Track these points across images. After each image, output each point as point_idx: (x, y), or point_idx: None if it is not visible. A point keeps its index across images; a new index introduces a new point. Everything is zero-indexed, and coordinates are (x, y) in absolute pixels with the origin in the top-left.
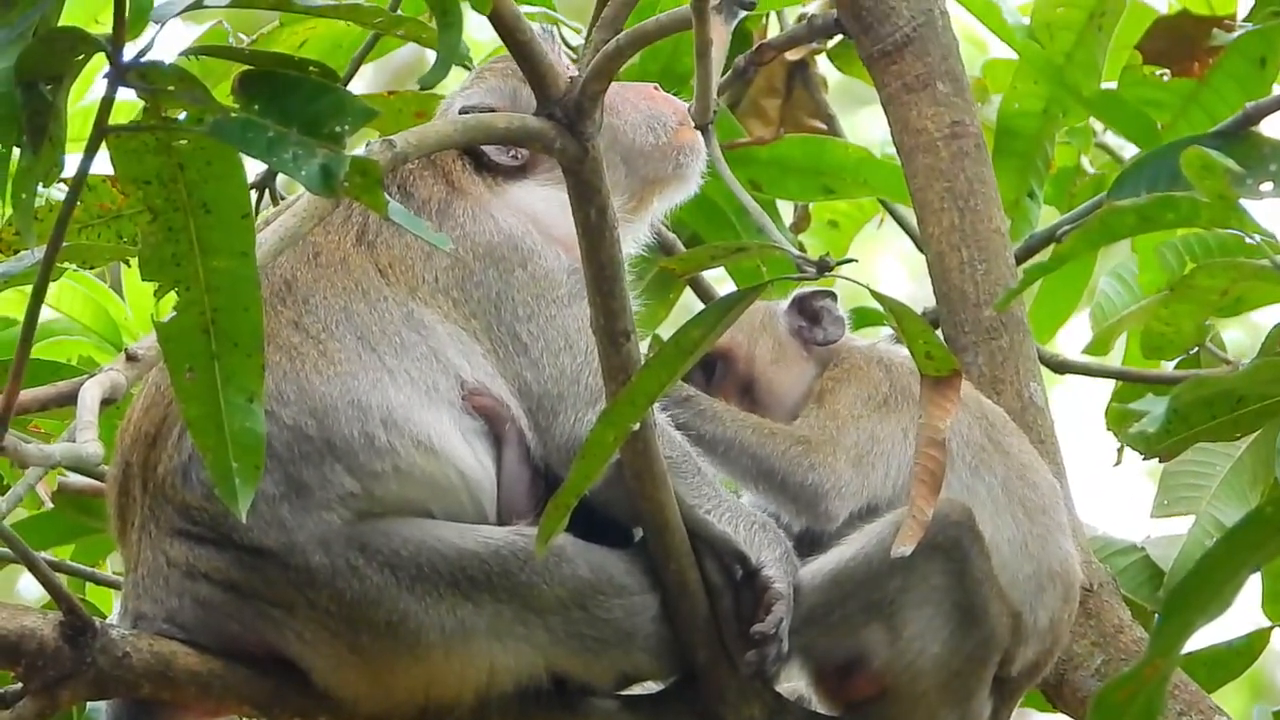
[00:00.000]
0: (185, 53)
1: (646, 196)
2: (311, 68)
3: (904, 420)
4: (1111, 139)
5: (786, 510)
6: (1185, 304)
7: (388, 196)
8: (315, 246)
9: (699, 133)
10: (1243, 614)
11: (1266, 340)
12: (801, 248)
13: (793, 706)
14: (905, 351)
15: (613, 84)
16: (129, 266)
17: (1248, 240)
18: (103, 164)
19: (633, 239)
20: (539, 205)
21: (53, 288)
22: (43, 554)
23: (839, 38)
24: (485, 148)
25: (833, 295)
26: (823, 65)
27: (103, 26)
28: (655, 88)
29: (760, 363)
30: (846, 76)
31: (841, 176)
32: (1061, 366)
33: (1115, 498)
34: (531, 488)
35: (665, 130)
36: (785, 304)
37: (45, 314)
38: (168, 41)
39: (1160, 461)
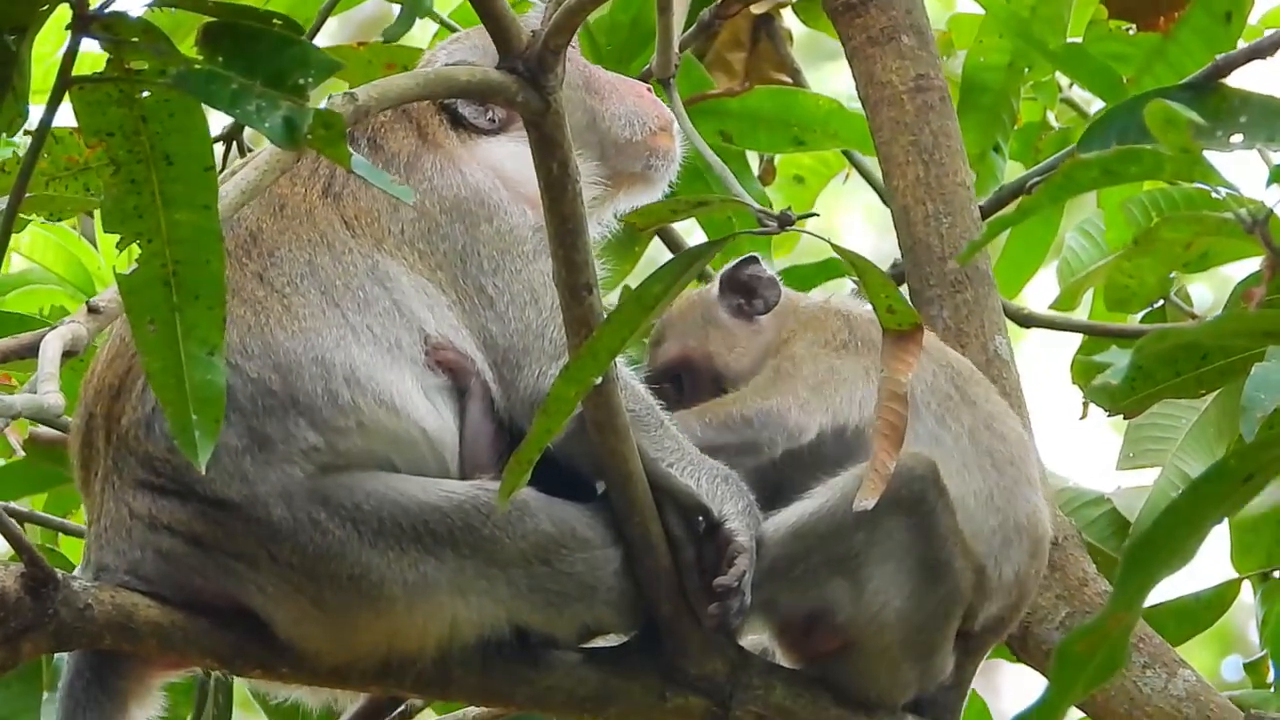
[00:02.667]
0: (151, 4)
1: (613, 189)
2: (275, 20)
3: (865, 362)
4: (1077, 94)
5: (761, 440)
6: (1149, 257)
7: (355, 149)
8: (281, 198)
9: (675, 143)
10: (1212, 567)
11: (1231, 295)
12: (768, 200)
13: (756, 660)
14: (865, 304)
15: (609, 74)
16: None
17: (1213, 194)
18: (70, 117)
19: (595, 222)
20: (508, 162)
21: (26, 238)
22: (14, 504)
23: None
24: (460, 106)
25: (755, 259)
26: (788, 19)
27: None
28: (648, 89)
29: (719, 358)
30: (811, 30)
31: (812, 128)
32: (1027, 320)
33: (1082, 451)
34: (495, 442)
35: (643, 129)
36: (715, 288)
37: (19, 264)
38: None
39: (1125, 418)
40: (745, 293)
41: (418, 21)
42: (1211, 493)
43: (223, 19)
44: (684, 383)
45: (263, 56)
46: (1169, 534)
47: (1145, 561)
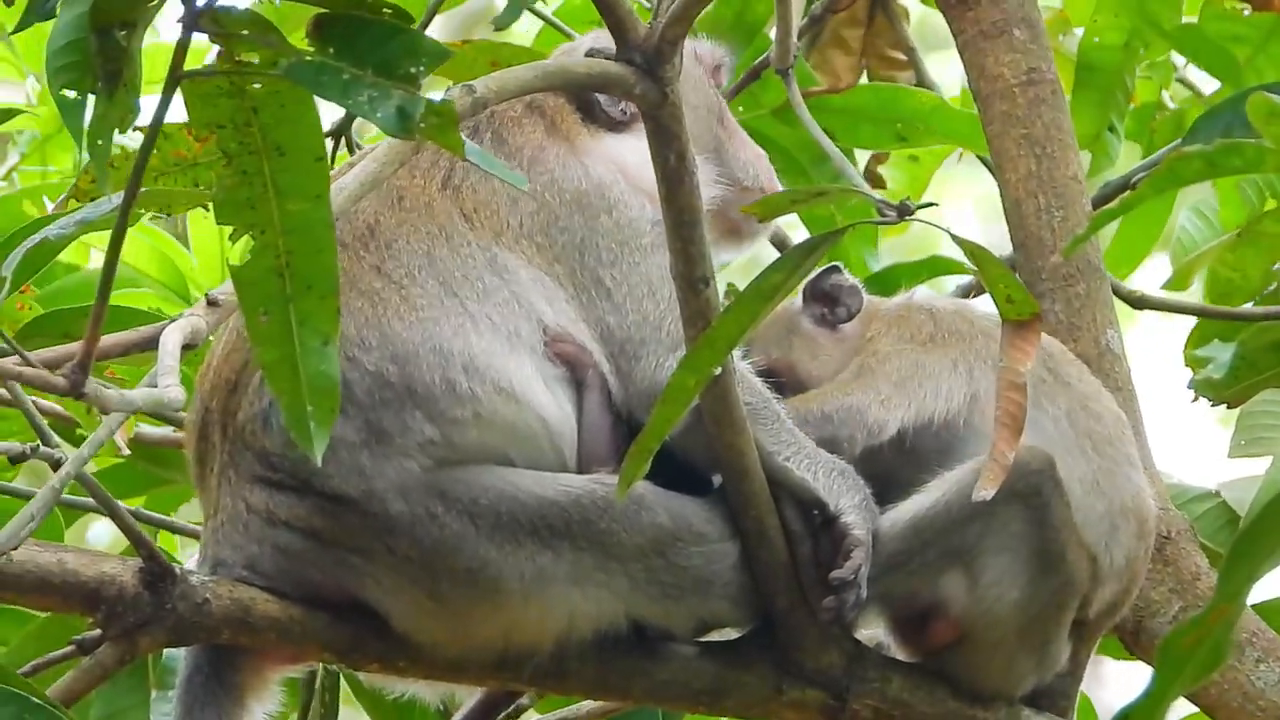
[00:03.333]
0: None
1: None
2: (385, 9)
3: (952, 353)
4: (1192, 74)
5: (840, 436)
6: (1252, 249)
7: (478, 142)
8: (400, 191)
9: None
10: None
11: None
12: (882, 184)
13: (871, 653)
14: (948, 298)
15: (745, 138)
16: (206, 213)
17: None
18: (178, 112)
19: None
20: (630, 156)
21: None
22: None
23: None
24: (599, 98)
25: (837, 269)
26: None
27: None
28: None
29: (803, 368)
30: (925, 15)
31: (915, 125)
32: (1139, 302)
33: (1194, 444)
34: (613, 434)
35: (758, 181)
36: (799, 301)
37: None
38: None
39: (1229, 407)
40: (828, 302)
41: (524, 21)
42: None
43: (332, 9)
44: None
45: (373, 46)
46: (1274, 525)
47: (1250, 553)
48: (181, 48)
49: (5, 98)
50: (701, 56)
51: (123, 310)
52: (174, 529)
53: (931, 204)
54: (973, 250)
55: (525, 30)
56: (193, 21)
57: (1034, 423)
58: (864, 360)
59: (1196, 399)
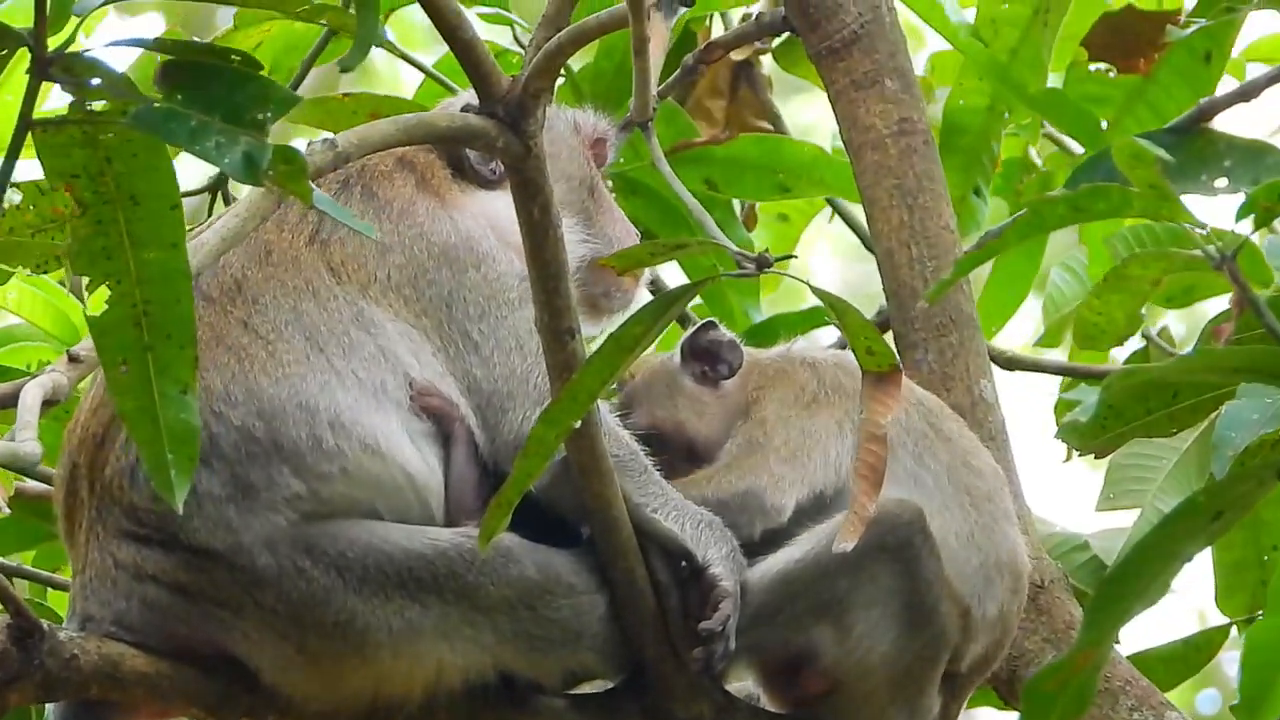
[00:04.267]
0: (108, 44)
1: None
2: (233, 57)
3: (836, 414)
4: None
5: (739, 522)
6: (1117, 294)
7: (348, 196)
8: (268, 245)
9: (638, 291)
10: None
11: (1202, 332)
12: (751, 245)
13: (741, 704)
14: (825, 350)
15: (611, 199)
16: None
17: (1193, 229)
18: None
19: None
20: (502, 212)
21: (12, 292)
22: (1, 559)
23: (786, 35)
24: (469, 155)
25: (713, 324)
26: (766, 64)
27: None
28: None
29: (688, 426)
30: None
31: (797, 174)
32: (1010, 363)
33: (1067, 492)
34: (479, 487)
35: None
36: (677, 357)
37: (5, 319)
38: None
39: (1096, 458)
40: (708, 359)
41: (404, 72)
42: (1181, 529)
43: (180, 56)
44: (654, 450)
45: (221, 92)
46: (1139, 571)
47: (1115, 598)
48: (30, 95)
49: None
50: (581, 126)
51: None
52: (56, 585)
53: (791, 255)
54: (833, 302)
55: (397, 78)
56: (43, 70)
57: (915, 477)
58: (751, 431)
59: (1069, 456)
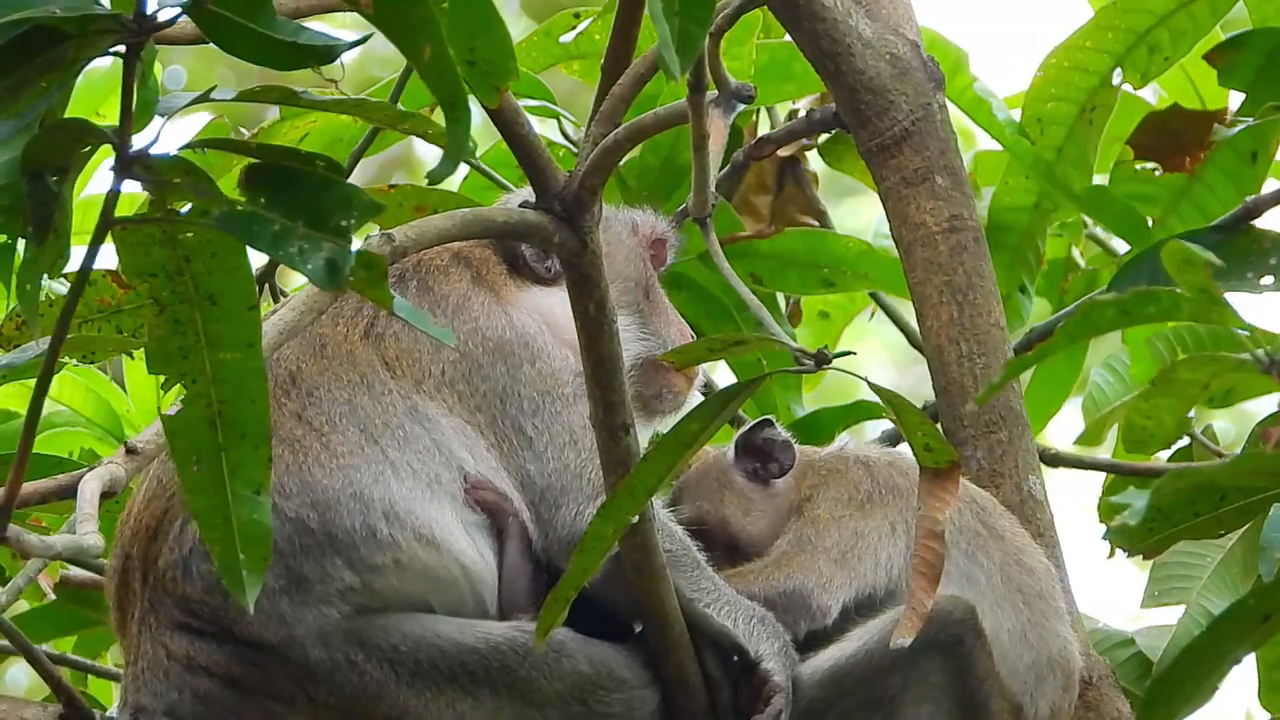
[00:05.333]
0: (189, 145)
1: None
2: (318, 161)
3: (890, 514)
4: (1104, 230)
5: (784, 621)
6: (1166, 398)
7: (403, 290)
8: (323, 339)
9: (691, 392)
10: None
11: (1251, 434)
12: (794, 339)
13: None
14: (879, 449)
15: (667, 301)
16: (131, 359)
17: (1237, 333)
18: (104, 258)
19: None
20: (557, 308)
21: (55, 381)
22: (44, 646)
23: (834, 132)
24: (524, 252)
25: (769, 423)
26: (813, 160)
27: (107, 119)
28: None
29: (734, 523)
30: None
31: (841, 269)
32: (1054, 460)
33: (1113, 589)
34: (533, 582)
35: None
36: (730, 453)
37: (47, 406)
38: (171, 136)
39: (1144, 559)
40: (761, 457)
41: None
42: (1230, 632)
43: (265, 160)
44: (698, 543)
45: (305, 198)
46: (1188, 673)
47: (1164, 700)
48: (113, 194)
49: None
50: (639, 227)
51: (48, 459)
52: (97, 673)
53: (850, 352)
54: (890, 399)
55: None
56: (125, 168)
57: (968, 576)
58: (802, 529)
59: (1113, 553)
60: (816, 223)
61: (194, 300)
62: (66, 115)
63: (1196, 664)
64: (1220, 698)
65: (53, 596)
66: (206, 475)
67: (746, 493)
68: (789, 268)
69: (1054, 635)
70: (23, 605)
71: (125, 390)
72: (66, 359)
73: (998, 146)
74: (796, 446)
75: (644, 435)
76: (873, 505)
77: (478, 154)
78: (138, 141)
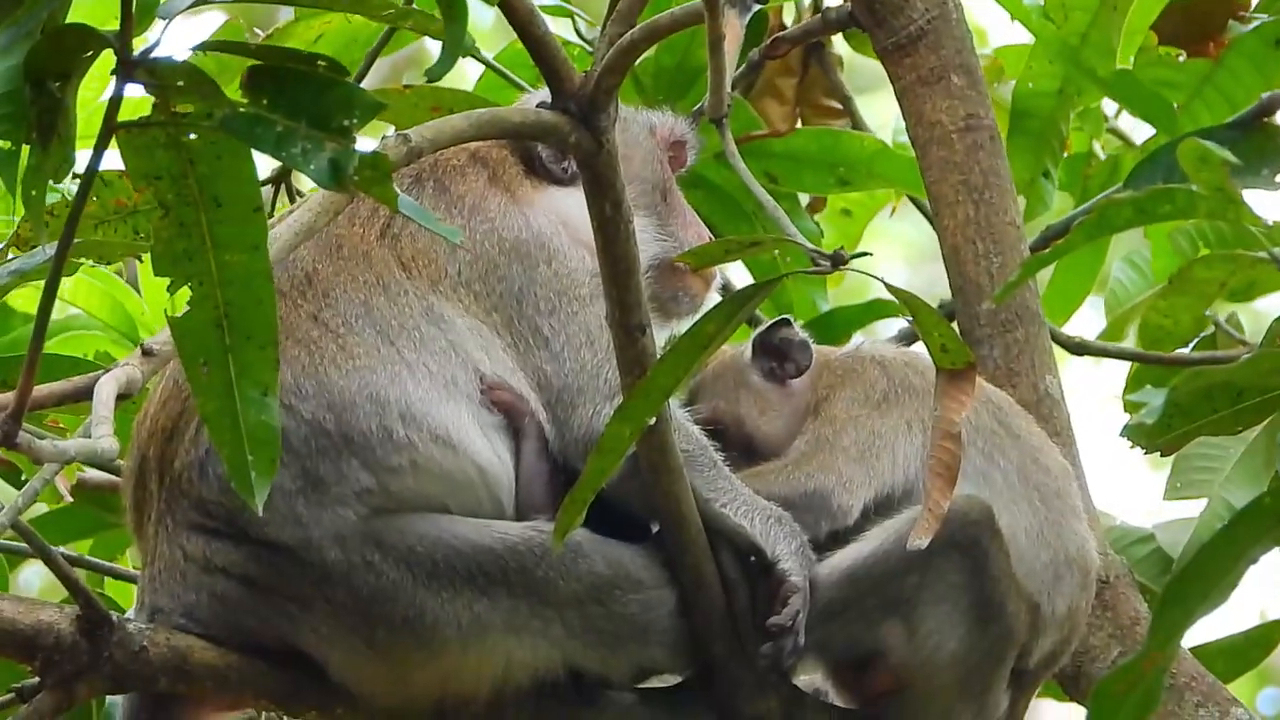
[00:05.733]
0: (195, 48)
1: None
2: (320, 62)
3: (906, 413)
4: (1124, 122)
5: (805, 522)
6: (1183, 296)
7: (421, 191)
8: (339, 239)
9: (709, 294)
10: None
11: (1268, 332)
12: (818, 239)
13: (809, 700)
14: (895, 348)
15: (685, 202)
16: (142, 262)
17: (1253, 231)
18: (118, 160)
19: None
20: (574, 209)
21: (69, 283)
22: (60, 549)
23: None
24: (541, 153)
25: (787, 322)
26: (838, 44)
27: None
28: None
29: (750, 422)
30: (854, 61)
31: (857, 169)
32: (1079, 348)
33: (1131, 485)
34: (550, 482)
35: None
36: (748, 352)
37: (63, 310)
38: (179, 39)
39: (1162, 455)
40: (777, 356)
41: (464, 64)
42: (1247, 531)
43: (267, 62)
44: (717, 444)
45: (307, 99)
46: (1205, 573)
47: (1181, 600)
48: (115, 98)
49: None
50: (657, 129)
51: (64, 359)
52: (115, 575)
53: (866, 253)
54: (907, 299)
55: (461, 74)
56: (127, 72)
57: (984, 475)
58: (819, 430)
59: (1133, 447)
60: (840, 106)
61: (199, 203)
62: (68, 21)
63: (1213, 564)
64: (1236, 596)
65: (70, 499)
66: (214, 377)
67: (763, 392)
68: (804, 167)
69: (1071, 534)
70: (40, 508)
71: (140, 293)
72: (80, 260)
73: (1016, 41)
74: (813, 347)
75: (661, 337)
76: (889, 404)
77: (493, 54)
78: (143, 46)
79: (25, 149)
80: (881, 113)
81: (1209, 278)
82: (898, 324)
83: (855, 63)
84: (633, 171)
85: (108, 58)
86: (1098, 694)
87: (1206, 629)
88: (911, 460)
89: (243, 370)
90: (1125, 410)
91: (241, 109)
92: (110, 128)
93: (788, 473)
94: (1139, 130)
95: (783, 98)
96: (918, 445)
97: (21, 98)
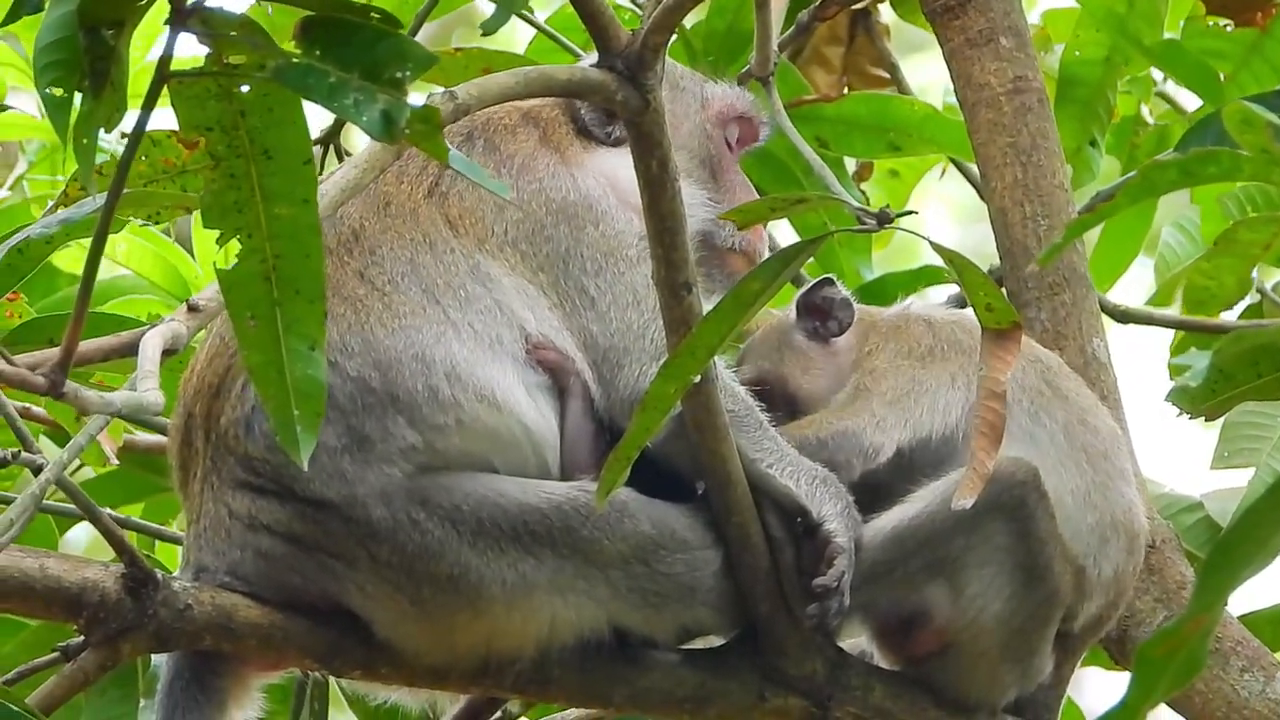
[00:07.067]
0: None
1: None
2: (373, 14)
3: (950, 367)
4: (1171, 88)
5: (837, 461)
6: (1227, 258)
7: (470, 148)
8: (386, 196)
9: (763, 245)
10: None
11: None
12: (865, 201)
13: (854, 661)
14: (946, 309)
15: (742, 175)
16: (193, 220)
17: None
18: (168, 120)
19: None
20: (621, 172)
21: (123, 244)
22: (108, 510)
23: None
24: (585, 115)
25: (830, 281)
26: (884, 12)
27: None
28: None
29: (794, 382)
30: (900, 23)
31: (907, 133)
32: (1124, 316)
33: (1179, 453)
34: (595, 442)
35: (731, 240)
36: (792, 312)
37: (116, 270)
38: None
39: (1206, 420)
40: (820, 315)
41: (515, 28)
42: None
43: (320, 13)
44: (761, 405)
45: (360, 50)
46: (1249, 536)
47: (1226, 564)
48: (168, 48)
49: (18, 105)
50: (710, 102)
51: (111, 318)
52: (164, 537)
53: (911, 212)
54: (953, 258)
55: (520, 39)
56: (181, 22)
57: (1031, 436)
58: (860, 379)
59: (1179, 414)
60: (888, 75)
61: (249, 154)
62: None
63: (1258, 527)
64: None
65: (115, 462)
66: (262, 330)
67: (806, 351)
68: (854, 131)
69: (1118, 496)
70: (88, 473)
71: (193, 256)
72: (129, 217)
73: (1065, 4)
74: (857, 305)
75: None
76: (934, 358)
77: (544, 17)
78: None
79: (78, 96)
80: (927, 76)
81: (1252, 240)
82: (948, 291)
83: (900, 28)
84: (679, 141)
85: (161, 7)
86: (1140, 657)
87: (1254, 597)
88: (953, 409)
89: (290, 324)
90: (1170, 375)
91: (294, 60)
92: (163, 77)
93: (823, 418)
94: (1189, 97)
95: (830, 66)
96: (960, 396)
97: (75, 45)
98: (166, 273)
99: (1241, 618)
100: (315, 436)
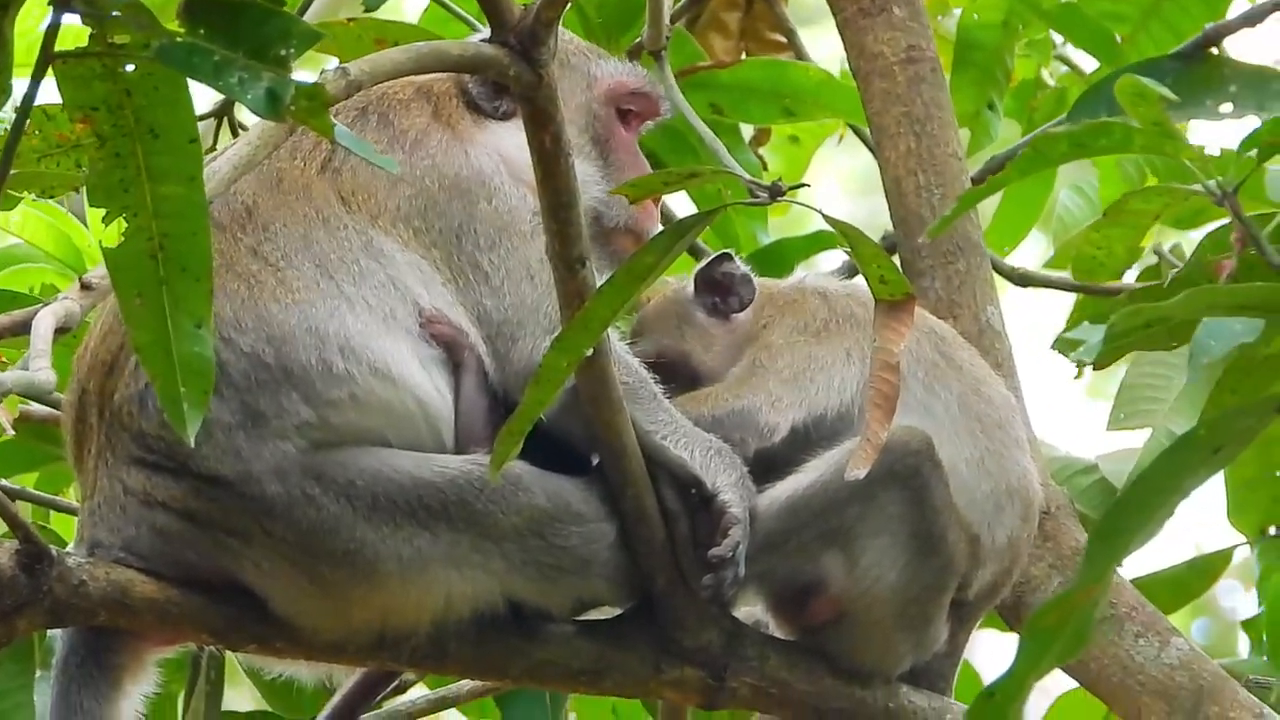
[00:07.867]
0: None
1: None
2: None
3: (846, 341)
4: (1073, 51)
5: (732, 439)
6: (1118, 228)
7: (364, 124)
8: (279, 173)
9: (654, 220)
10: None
11: (1193, 256)
12: (760, 171)
13: (750, 631)
14: (840, 281)
15: (636, 149)
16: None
17: (1188, 165)
18: (56, 93)
19: None
20: (514, 149)
21: (15, 215)
22: (5, 481)
23: None
24: (472, 90)
25: (729, 256)
26: None
27: None
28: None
29: (696, 358)
30: None
31: (802, 99)
32: (1023, 280)
33: (1076, 414)
34: (490, 415)
35: (620, 219)
36: (690, 287)
37: (8, 241)
38: None
39: (1095, 369)
40: (720, 291)
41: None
42: (1180, 464)
43: None
44: (659, 378)
45: (245, 28)
46: (1138, 506)
47: (1115, 534)
48: (53, 28)
49: None
50: (597, 81)
51: (4, 293)
52: (58, 508)
53: (804, 185)
54: (845, 230)
55: (411, 9)
56: (65, 2)
57: (926, 407)
58: (756, 354)
59: (1081, 374)
60: (785, 40)
61: (135, 133)
62: None
63: (1147, 496)
64: (1174, 525)
65: (12, 433)
66: (148, 309)
67: (707, 327)
68: (750, 98)
69: (1013, 464)
70: None
71: (87, 225)
72: (23, 193)
73: None
74: (755, 281)
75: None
76: (829, 333)
77: None
78: None
79: None
80: (827, 49)
81: (1144, 209)
82: (842, 256)
83: None
84: (567, 118)
85: None
86: (1030, 628)
87: (1150, 560)
88: (849, 386)
89: (177, 302)
90: (1059, 349)
91: (179, 39)
92: (47, 58)
93: (718, 394)
94: (1088, 59)
95: (727, 31)
96: (855, 372)
97: None
98: (60, 242)
99: (1136, 581)
100: (202, 414)
